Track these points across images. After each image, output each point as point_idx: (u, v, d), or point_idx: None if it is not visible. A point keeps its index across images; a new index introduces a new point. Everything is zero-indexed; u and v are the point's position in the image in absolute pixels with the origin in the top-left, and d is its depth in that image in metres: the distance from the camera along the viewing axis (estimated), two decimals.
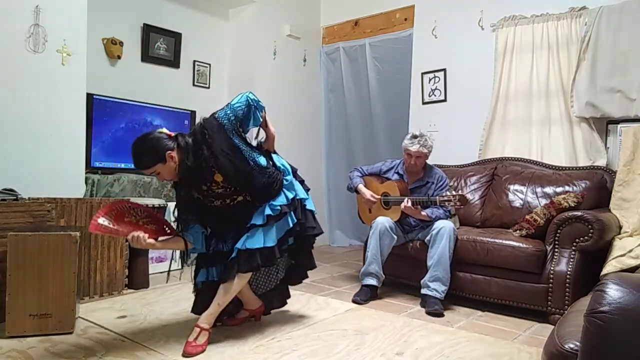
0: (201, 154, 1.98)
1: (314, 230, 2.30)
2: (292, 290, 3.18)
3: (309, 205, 2.32)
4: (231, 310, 2.35)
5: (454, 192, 2.83)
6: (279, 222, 2.16)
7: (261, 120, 2.16)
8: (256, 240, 2.09)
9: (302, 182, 2.37)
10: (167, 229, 2.18)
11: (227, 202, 2.17)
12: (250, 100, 2.09)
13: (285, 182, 2.22)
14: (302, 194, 2.30)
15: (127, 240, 2.03)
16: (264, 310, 2.51)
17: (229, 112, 2.04)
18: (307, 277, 2.55)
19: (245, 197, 2.17)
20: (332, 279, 3.64)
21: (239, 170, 2.04)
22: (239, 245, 2.09)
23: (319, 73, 5.23)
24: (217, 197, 2.15)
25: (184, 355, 2.00)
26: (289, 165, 2.34)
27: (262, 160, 2.14)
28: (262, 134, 2.29)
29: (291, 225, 2.19)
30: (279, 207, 2.14)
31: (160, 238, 2.09)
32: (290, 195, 2.20)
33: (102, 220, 1.93)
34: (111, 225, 1.96)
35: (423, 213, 2.98)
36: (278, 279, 2.52)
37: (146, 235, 1.99)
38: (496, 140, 3.79)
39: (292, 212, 2.20)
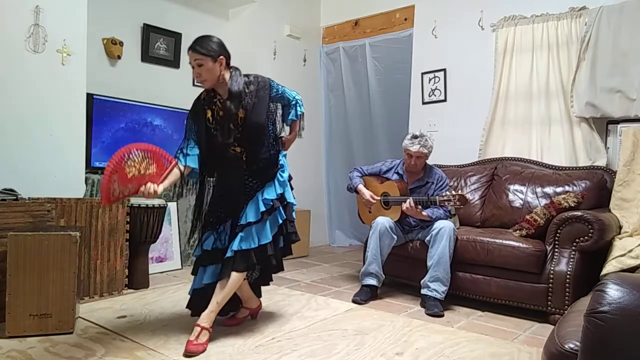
0: (244, 87, 2.12)
1: (295, 236, 2.32)
2: (293, 290, 3.19)
3: (293, 213, 2.33)
4: (227, 309, 2.34)
5: (453, 192, 2.84)
6: (270, 217, 2.18)
7: (298, 118, 2.30)
8: (251, 241, 2.12)
9: (291, 189, 2.37)
10: (165, 161, 2.11)
11: (226, 141, 2.14)
12: (297, 98, 2.31)
13: (280, 178, 2.23)
14: (291, 199, 2.30)
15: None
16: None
17: (280, 87, 2.25)
18: (272, 279, 2.56)
19: (242, 156, 2.17)
20: (332, 279, 3.64)
21: (259, 123, 2.13)
22: (234, 246, 2.10)
23: (319, 73, 5.23)
24: (222, 130, 2.14)
25: (186, 354, 2.00)
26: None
27: (284, 160, 2.26)
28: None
29: (280, 221, 2.21)
30: (271, 202, 2.15)
31: (163, 176, 2.07)
32: (280, 191, 2.21)
33: (109, 187, 1.92)
34: (119, 190, 1.96)
35: (424, 213, 2.98)
36: (252, 277, 2.49)
37: (155, 185, 2.00)
38: (496, 140, 3.79)
39: (280, 208, 2.21)
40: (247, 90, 2.14)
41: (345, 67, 5.08)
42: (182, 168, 2.13)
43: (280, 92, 2.25)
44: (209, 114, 2.16)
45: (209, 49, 2.05)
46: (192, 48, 2.05)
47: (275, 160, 2.24)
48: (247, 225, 2.12)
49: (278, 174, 2.23)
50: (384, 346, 2.19)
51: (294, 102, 2.30)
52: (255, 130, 2.15)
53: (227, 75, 2.13)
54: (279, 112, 2.29)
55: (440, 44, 4.21)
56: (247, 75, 2.20)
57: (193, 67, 2.08)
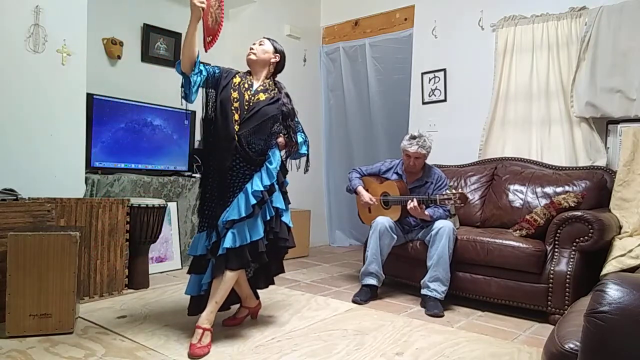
0: (281, 89, 2.33)
1: (286, 242, 2.28)
2: (293, 290, 3.19)
3: (286, 218, 2.29)
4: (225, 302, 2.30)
5: (453, 191, 2.83)
6: (261, 212, 2.15)
7: (302, 153, 2.43)
8: (243, 237, 2.10)
9: (285, 193, 2.33)
10: (209, 38, 2.27)
11: (232, 103, 2.19)
12: (307, 140, 2.47)
13: (268, 166, 2.20)
14: (280, 204, 2.25)
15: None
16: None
17: (300, 124, 2.43)
18: (273, 282, 2.52)
19: (234, 127, 2.17)
20: (332, 279, 3.64)
21: (268, 113, 2.21)
22: (226, 244, 2.08)
23: (319, 73, 5.23)
24: (236, 97, 2.21)
25: (191, 357, 1.99)
26: (282, 169, 2.33)
27: (277, 153, 2.28)
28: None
29: (268, 218, 2.18)
30: (260, 194, 2.13)
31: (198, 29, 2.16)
32: (267, 182, 2.18)
33: None
34: None
35: (426, 213, 2.98)
36: (249, 274, 2.45)
37: (202, 8, 2.10)
38: (496, 140, 3.79)
39: (269, 203, 2.19)
40: (280, 89, 2.33)
41: (345, 67, 5.08)
42: (196, 50, 2.18)
43: (299, 124, 2.41)
44: (237, 80, 2.26)
45: (275, 43, 2.36)
46: (266, 37, 2.38)
47: (266, 151, 2.24)
48: (238, 221, 2.10)
49: (266, 162, 2.22)
50: (384, 346, 2.19)
51: (304, 139, 2.43)
52: (260, 117, 2.19)
53: (270, 69, 2.33)
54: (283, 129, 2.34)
55: (440, 44, 4.21)
56: (284, 90, 2.38)
57: (254, 44, 2.32)
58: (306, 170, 2.51)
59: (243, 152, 2.16)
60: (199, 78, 2.21)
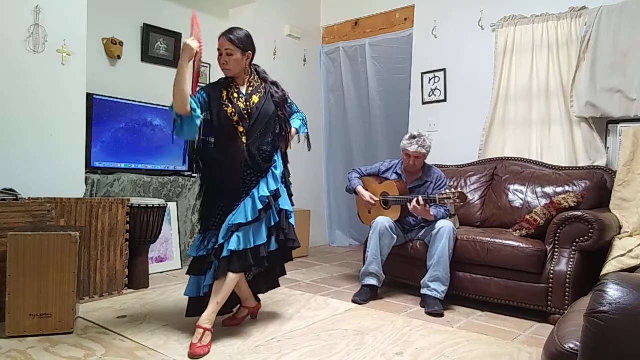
0: (266, 80, 2.29)
1: (294, 243, 2.30)
2: (293, 290, 3.19)
3: (292, 220, 2.31)
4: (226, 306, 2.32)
5: (453, 190, 2.83)
6: (266, 217, 2.16)
7: (302, 131, 2.43)
8: (248, 241, 2.11)
9: (290, 195, 2.35)
10: (192, 84, 2.14)
11: (232, 118, 2.16)
12: (304, 117, 2.47)
13: (274, 171, 2.21)
14: (288, 206, 2.27)
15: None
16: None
17: (293, 102, 2.42)
18: (279, 285, 2.53)
19: (242, 140, 2.16)
20: (332, 279, 3.64)
21: (268, 114, 2.21)
22: (231, 246, 2.08)
23: (319, 73, 5.23)
24: (233, 111, 2.16)
25: (191, 357, 1.99)
26: (286, 173, 2.34)
27: (280, 157, 2.29)
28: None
29: (273, 223, 2.19)
30: (267, 199, 2.14)
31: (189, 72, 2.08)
32: (273, 187, 2.18)
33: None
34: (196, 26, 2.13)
35: (431, 212, 2.97)
36: (250, 276, 2.45)
37: (195, 52, 2.04)
38: (496, 140, 3.79)
39: (274, 210, 2.20)
40: (265, 80, 2.29)
41: (345, 67, 5.08)
42: (187, 90, 2.03)
43: (292, 105, 2.39)
44: (225, 94, 2.20)
45: (241, 42, 2.15)
46: (226, 37, 2.14)
47: (273, 154, 2.26)
48: (245, 225, 2.11)
49: (272, 169, 2.23)
50: (384, 346, 2.20)
51: (302, 119, 2.43)
52: (264, 118, 2.20)
53: (247, 69, 2.25)
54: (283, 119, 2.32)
55: (440, 44, 4.21)
56: (268, 79, 2.35)
57: (221, 54, 2.16)
58: (310, 148, 2.51)
59: (252, 162, 2.17)
60: (198, 114, 2.11)
